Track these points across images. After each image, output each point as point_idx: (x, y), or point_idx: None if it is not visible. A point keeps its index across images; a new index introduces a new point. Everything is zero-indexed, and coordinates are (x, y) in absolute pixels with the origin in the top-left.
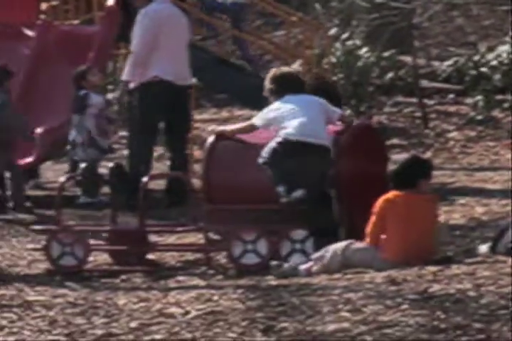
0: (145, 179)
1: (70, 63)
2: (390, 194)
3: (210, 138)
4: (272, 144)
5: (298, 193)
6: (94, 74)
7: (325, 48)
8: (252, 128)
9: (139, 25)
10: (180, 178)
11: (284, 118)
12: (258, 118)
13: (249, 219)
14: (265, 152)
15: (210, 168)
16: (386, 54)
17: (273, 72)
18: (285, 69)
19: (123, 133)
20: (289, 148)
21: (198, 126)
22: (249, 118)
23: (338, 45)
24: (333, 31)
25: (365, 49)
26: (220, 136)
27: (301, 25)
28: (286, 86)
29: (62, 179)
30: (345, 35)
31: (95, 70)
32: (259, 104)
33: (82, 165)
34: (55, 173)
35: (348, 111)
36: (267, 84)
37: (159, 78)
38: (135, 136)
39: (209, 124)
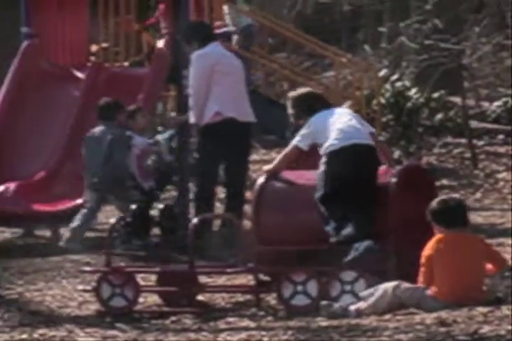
0: (195, 220)
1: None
2: (440, 235)
3: (260, 179)
4: (320, 168)
5: (347, 230)
6: (143, 115)
7: (374, 89)
8: (297, 151)
9: (193, 67)
10: (232, 220)
11: (321, 133)
12: (298, 140)
13: (299, 260)
14: (318, 180)
15: (260, 209)
16: (435, 95)
17: (293, 95)
18: (303, 89)
19: None
20: (335, 160)
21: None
22: None
23: (387, 86)
24: (382, 72)
25: (414, 90)
26: (270, 177)
27: (351, 66)
28: (313, 103)
29: (112, 220)
30: (394, 77)
31: (145, 112)
32: None
33: (133, 206)
34: (105, 215)
35: (398, 153)
36: (292, 108)
37: (222, 115)
38: (200, 176)
39: (258, 165)
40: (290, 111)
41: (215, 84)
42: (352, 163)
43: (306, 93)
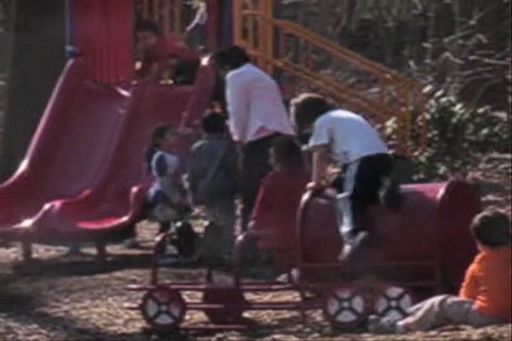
0: (241, 237)
1: (164, 122)
2: (485, 252)
3: (304, 196)
4: (352, 171)
5: (361, 236)
6: (173, 133)
7: (419, 105)
8: (322, 148)
9: (229, 87)
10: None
11: (341, 130)
12: (316, 139)
13: (343, 277)
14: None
15: (305, 226)
16: (480, 110)
17: (298, 102)
18: (305, 95)
19: None
20: (368, 166)
21: None
22: None
23: (432, 102)
24: (427, 88)
25: (459, 105)
26: (314, 193)
27: (396, 82)
28: (318, 108)
29: (158, 238)
30: (439, 92)
31: (174, 130)
32: None
33: (178, 224)
34: (150, 232)
35: (443, 168)
36: (297, 115)
37: (267, 130)
38: (249, 193)
39: None
40: (294, 118)
41: (255, 100)
42: (382, 171)
43: (310, 98)
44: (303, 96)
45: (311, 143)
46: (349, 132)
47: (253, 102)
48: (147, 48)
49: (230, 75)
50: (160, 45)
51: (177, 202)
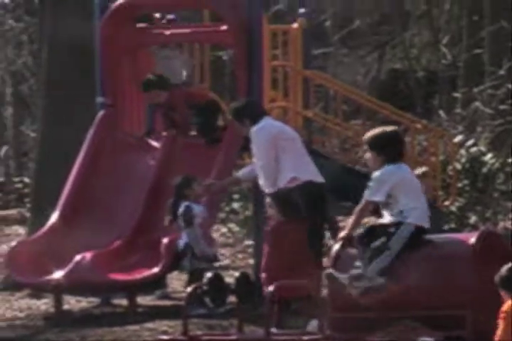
0: (271, 288)
1: (195, 173)
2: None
3: (336, 246)
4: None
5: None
6: (199, 183)
7: (450, 155)
8: (372, 204)
9: (255, 142)
10: (307, 287)
11: (399, 187)
12: (371, 194)
13: (374, 327)
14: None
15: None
16: (511, 160)
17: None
18: (378, 129)
19: (249, 242)
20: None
21: None
22: None
23: (462, 151)
24: (457, 138)
25: (489, 155)
26: (345, 243)
27: (426, 132)
28: (388, 151)
29: (188, 289)
30: (469, 142)
31: (201, 180)
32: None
33: (208, 274)
34: (181, 283)
35: (474, 218)
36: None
37: (299, 180)
38: None
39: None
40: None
41: (283, 152)
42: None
43: (383, 134)
44: (375, 131)
45: (366, 196)
46: (411, 195)
47: (281, 154)
48: (162, 104)
49: (254, 130)
50: (170, 97)
51: (201, 252)
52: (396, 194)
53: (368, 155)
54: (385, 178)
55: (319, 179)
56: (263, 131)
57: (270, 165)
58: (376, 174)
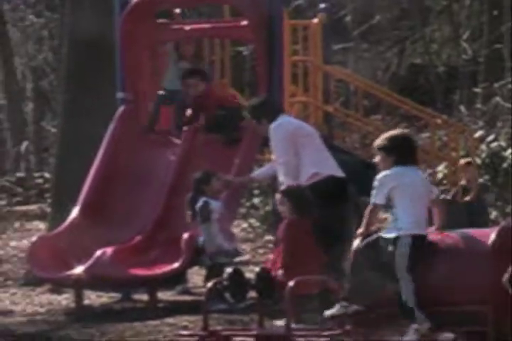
0: (291, 283)
1: (215, 169)
2: None
3: (355, 242)
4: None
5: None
6: (217, 179)
7: (470, 150)
8: (377, 209)
9: (274, 139)
10: (327, 282)
11: (396, 190)
12: (375, 196)
13: (393, 322)
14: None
15: (356, 271)
16: None
17: (385, 138)
18: (395, 131)
19: (269, 237)
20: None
21: None
22: None
23: (483, 146)
24: (478, 133)
25: (510, 150)
26: (363, 239)
27: (446, 127)
28: (397, 152)
29: (209, 284)
30: (490, 137)
31: (219, 176)
32: None
33: (229, 270)
34: (202, 278)
35: (495, 213)
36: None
37: (321, 175)
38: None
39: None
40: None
41: (303, 148)
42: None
43: (393, 135)
44: (393, 132)
45: (372, 200)
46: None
47: (301, 151)
48: (196, 96)
49: (272, 129)
50: (208, 94)
51: (216, 248)
52: (393, 197)
53: (378, 157)
54: (384, 181)
55: (340, 174)
56: (280, 129)
57: (291, 161)
58: (378, 176)
